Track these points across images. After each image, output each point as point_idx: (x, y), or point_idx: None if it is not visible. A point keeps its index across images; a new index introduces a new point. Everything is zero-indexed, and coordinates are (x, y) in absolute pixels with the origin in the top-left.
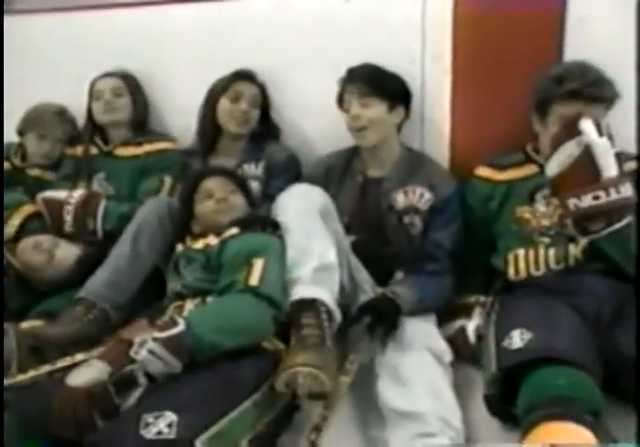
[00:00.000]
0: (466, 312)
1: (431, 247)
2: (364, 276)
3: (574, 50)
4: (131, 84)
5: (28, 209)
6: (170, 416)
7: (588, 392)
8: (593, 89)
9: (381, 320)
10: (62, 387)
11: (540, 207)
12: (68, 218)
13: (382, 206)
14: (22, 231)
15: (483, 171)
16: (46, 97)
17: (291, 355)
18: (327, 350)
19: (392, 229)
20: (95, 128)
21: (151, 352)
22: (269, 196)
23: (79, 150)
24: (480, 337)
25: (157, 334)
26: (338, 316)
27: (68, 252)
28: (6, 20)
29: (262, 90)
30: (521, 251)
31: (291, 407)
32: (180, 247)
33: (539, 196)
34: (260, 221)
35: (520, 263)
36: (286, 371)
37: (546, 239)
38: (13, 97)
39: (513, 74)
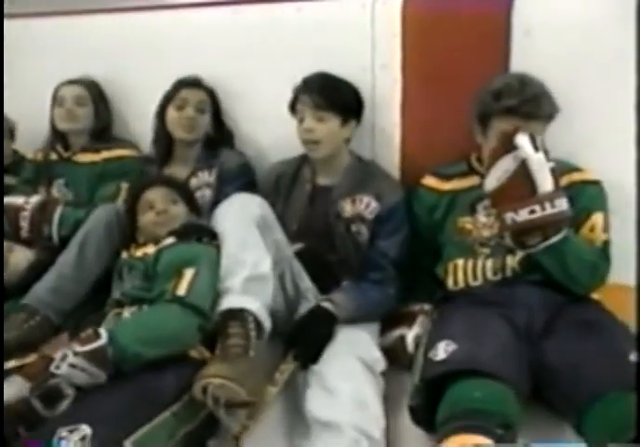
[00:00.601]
0: (409, 320)
1: (375, 255)
2: (307, 284)
3: (520, 60)
4: (94, 93)
5: None
6: (85, 430)
7: (503, 405)
8: (530, 106)
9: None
10: None
11: (481, 217)
12: (24, 224)
13: (330, 214)
14: None
15: (429, 181)
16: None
17: (209, 365)
18: (248, 361)
19: (339, 237)
20: (56, 135)
21: (72, 366)
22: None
23: (39, 155)
24: (418, 346)
25: (78, 348)
26: (267, 325)
27: (21, 258)
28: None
29: (211, 96)
30: (460, 261)
31: (214, 416)
32: (124, 254)
33: (480, 206)
34: (197, 230)
35: (459, 273)
36: (198, 381)
37: (486, 250)
38: None
39: (461, 84)
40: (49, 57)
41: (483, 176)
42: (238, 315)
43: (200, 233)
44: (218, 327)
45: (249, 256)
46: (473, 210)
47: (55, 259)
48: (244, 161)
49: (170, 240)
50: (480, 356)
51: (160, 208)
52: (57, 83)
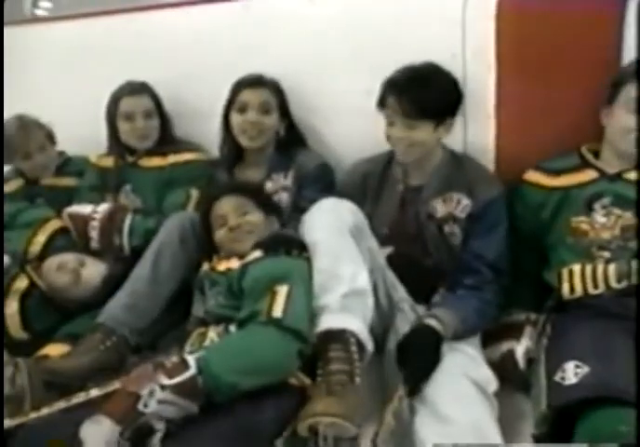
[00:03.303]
0: (515, 332)
1: (469, 258)
2: (401, 293)
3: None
4: (159, 103)
5: (54, 224)
6: None
7: None
8: None
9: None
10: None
11: (599, 217)
12: (94, 234)
13: (422, 215)
14: (49, 248)
15: (533, 177)
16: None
17: (314, 399)
18: (355, 390)
19: (432, 240)
20: (119, 142)
21: (161, 401)
22: (299, 208)
23: (104, 161)
24: (531, 361)
25: (166, 381)
26: (370, 347)
27: (94, 272)
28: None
29: (277, 93)
30: (577, 267)
31: None
32: (205, 267)
33: (597, 205)
34: (286, 242)
35: (576, 279)
36: (306, 419)
37: (606, 254)
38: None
39: (565, 68)
40: (102, 58)
41: (599, 170)
42: (339, 336)
43: (289, 245)
44: (317, 350)
45: (345, 269)
46: (589, 209)
47: (128, 271)
48: (322, 161)
49: (257, 254)
50: (615, 381)
51: (233, 223)
52: (111, 87)
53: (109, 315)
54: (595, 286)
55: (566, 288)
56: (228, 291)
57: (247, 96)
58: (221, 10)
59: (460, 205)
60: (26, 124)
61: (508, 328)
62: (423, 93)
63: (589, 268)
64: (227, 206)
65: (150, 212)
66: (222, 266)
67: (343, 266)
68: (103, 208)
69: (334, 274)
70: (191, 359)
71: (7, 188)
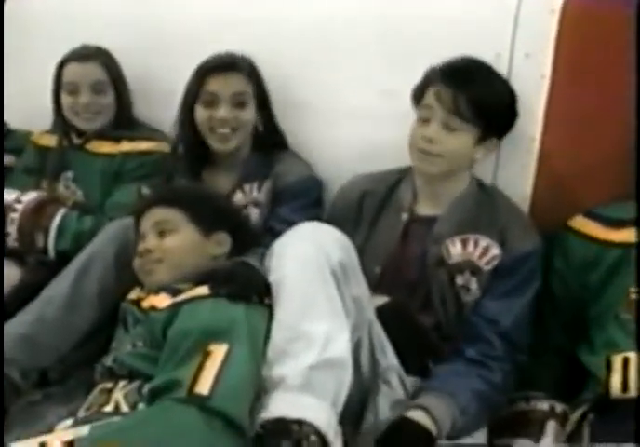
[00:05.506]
0: (534, 427)
1: (481, 322)
2: (390, 360)
3: None
4: (118, 75)
5: None
6: None
7: None
8: None
9: None
10: None
11: None
12: (11, 229)
13: (430, 257)
14: None
15: (585, 225)
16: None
17: None
18: None
19: (437, 291)
20: (64, 119)
21: None
22: (270, 230)
23: (45, 139)
24: None
25: None
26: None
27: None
28: None
29: (253, 78)
30: (633, 356)
31: None
32: (133, 294)
33: None
34: (239, 279)
35: (631, 373)
36: None
37: None
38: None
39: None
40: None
41: None
42: (293, 429)
43: (243, 284)
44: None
45: (318, 327)
46: None
47: (48, 280)
48: (308, 174)
49: (198, 291)
50: None
51: (142, 247)
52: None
53: None
54: None
55: (616, 381)
56: (150, 336)
57: (217, 85)
58: None
59: (488, 255)
60: None
61: (524, 419)
62: (484, 88)
63: None
64: (146, 223)
65: (91, 208)
66: (148, 302)
67: (316, 323)
68: (30, 197)
69: (301, 332)
70: None
71: None
